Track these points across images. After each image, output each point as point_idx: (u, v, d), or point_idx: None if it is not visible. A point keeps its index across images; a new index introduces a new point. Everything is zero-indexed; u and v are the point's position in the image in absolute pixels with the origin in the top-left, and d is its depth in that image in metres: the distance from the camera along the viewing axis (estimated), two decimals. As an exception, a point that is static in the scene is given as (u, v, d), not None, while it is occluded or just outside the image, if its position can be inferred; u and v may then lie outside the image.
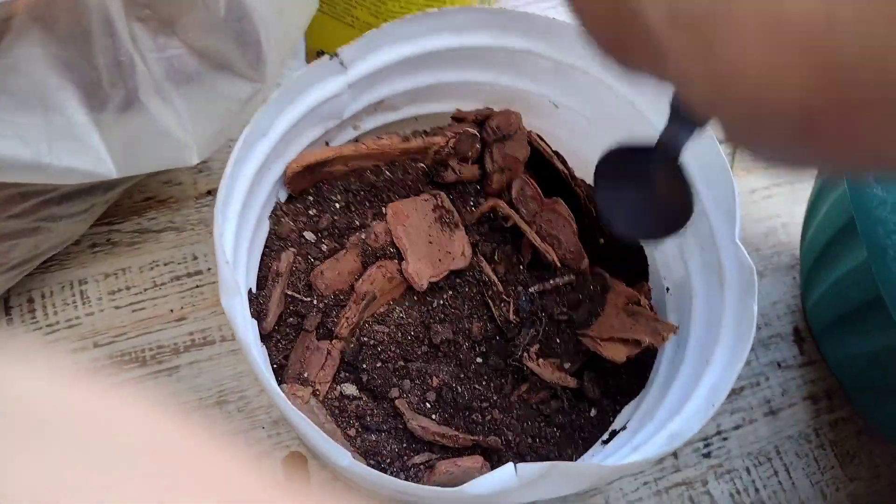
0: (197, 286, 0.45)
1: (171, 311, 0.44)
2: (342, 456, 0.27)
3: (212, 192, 0.47)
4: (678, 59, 0.16)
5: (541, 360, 0.38)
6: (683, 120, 0.24)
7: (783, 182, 0.54)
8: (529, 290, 0.39)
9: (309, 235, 0.37)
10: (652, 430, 0.33)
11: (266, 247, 0.37)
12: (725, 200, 0.35)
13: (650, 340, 0.37)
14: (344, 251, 0.36)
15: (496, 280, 0.39)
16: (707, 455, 0.46)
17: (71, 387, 0.14)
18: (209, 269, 0.45)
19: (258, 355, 0.29)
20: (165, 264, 0.45)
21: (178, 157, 0.31)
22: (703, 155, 0.36)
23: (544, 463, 0.26)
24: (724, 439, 0.47)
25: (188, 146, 0.31)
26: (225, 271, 0.28)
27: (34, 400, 0.13)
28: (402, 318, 0.37)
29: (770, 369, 0.49)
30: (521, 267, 0.40)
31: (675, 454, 0.46)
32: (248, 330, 0.29)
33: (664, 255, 0.42)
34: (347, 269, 0.36)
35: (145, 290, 0.44)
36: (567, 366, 0.39)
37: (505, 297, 0.39)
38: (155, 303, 0.44)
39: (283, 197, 0.38)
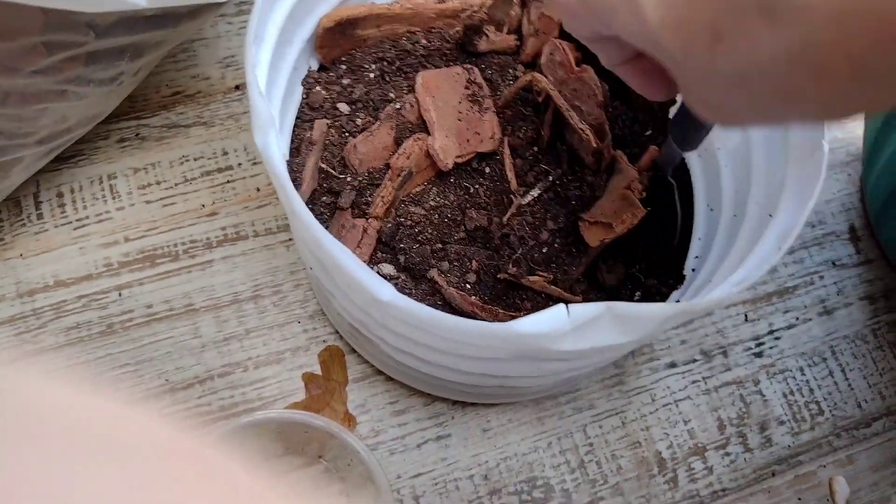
0: (228, 181, 0.43)
1: (203, 206, 0.43)
2: (384, 290, 0.25)
3: (240, 87, 0.45)
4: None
5: (533, 277, 0.35)
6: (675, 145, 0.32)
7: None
8: (528, 196, 0.37)
9: (343, 107, 0.35)
10: (716, 283, 0.31)
11: (298, 118, 0.36)
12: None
13: (620, 226, 0.34)
14: (378, 124, 0.35)
15: (513, 177, 0.37)
16: (759, 355, 0.44)
17: (70, 387, 0.13)
18: (240, 164, 0.44)
19: (293, 191, 0.27)
20: (196, 159, 0.43)
21: (209, -8, 0.29)
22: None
23: (599, 303, 0.24)
24: (777, 339, 0.45)
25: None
26: (259, 103, 0.26)
27: (36, 401, 0.13)
28: (439, 200, 0.36)
29: (825, 268, 0.47)
30: (541, 156, 0.38)
31: (724, 353, 0.44)
32: (283, 165, 0.27)
33: None
34: (381, 143, 0.34)
35: (176, 184, 0.43)
36: (571, 270, 0.36)
37: (515, 196, 0.37)
38: (186, 198, 0.43)
39: (314, 66, 0.37)
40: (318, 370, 0.40)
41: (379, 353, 0.35)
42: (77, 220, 0.42)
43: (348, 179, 0.35)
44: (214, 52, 0.46)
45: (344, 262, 0.26)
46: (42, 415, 0.12)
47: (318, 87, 0.36)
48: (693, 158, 0.41)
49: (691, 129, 0.32)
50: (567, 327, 0.24)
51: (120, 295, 0.40)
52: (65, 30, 0.30)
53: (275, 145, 0.26)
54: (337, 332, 0.41)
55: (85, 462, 0.12)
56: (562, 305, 0.25)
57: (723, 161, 0.38)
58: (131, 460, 0.12)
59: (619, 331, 0.25)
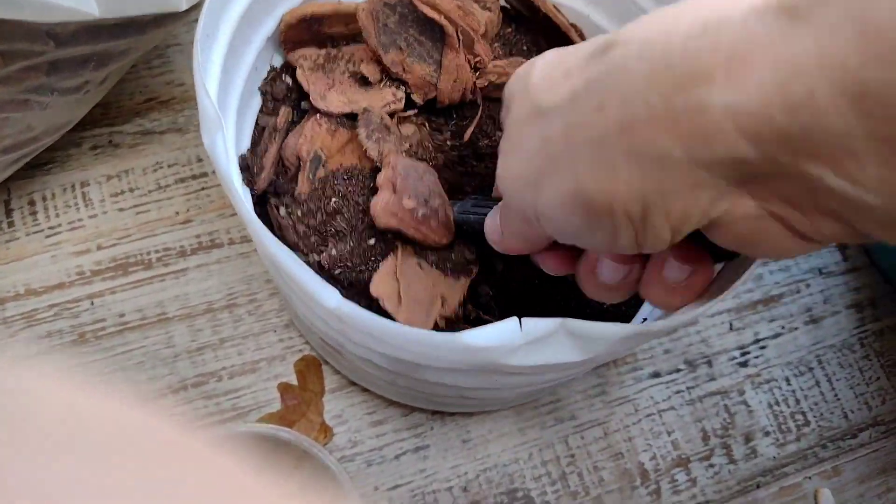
0: (203, 188, 0.43)
1: (177, 213, 0.42)
2: (331, 296, 0.25)
3: (217, 93, 0.45)
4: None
5: None
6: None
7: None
8: None
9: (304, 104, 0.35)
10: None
11: (260, 111, 0.35)
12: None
13: None
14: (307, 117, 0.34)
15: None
16: (744, 364, 0.44)
17: (70, 387, 0.13)
18: (214, 171, 0.43)
19: (241, 191, 0.26)
20: (170, 166, 0.43)
21: (165, 0, 0.28)
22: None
23: (553, 319, 0.24)
24: (763, 348, 0.44)
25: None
26: (206, 103, 0.25)
27: (35, 400, 0.13)
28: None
29: (811, 276, 0.46)
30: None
31: (709, 362, 0.43)
32: (231, 168, 0.26)
33: None
34: (310, 134, 0.33)
35: (149, 192, 0.42)
36: None
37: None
38: (160, 205, 0.42)
39: (278, 65, 0.36)
40: (293, 380, 0.39)
41: (346, 363, 0.35)
42: (49, 228, 0.41)
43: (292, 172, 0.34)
44: (189, 57, 0.45)
45: (288, 266, 0.25)
46: (41, 414, 0.12)
47: (281, 81, 0.35)
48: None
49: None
50: (519, 342, 0.24)
51: (92, 304, 0.40)
52: (22, 39, 0.30)
53: (222, 146, 0.25)
54: (308, 342, 0.40)
55: (88, 461, 0.11)
56: (515, 319, 0.24)
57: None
58: (135, 458, 0.12)
59: (574, 348, 0.24)
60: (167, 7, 0.29)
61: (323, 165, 0.32)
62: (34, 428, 0.12)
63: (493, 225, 0.28)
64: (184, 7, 0.29)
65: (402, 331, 0.25)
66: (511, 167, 0.24)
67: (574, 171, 0.21)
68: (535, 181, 0.22)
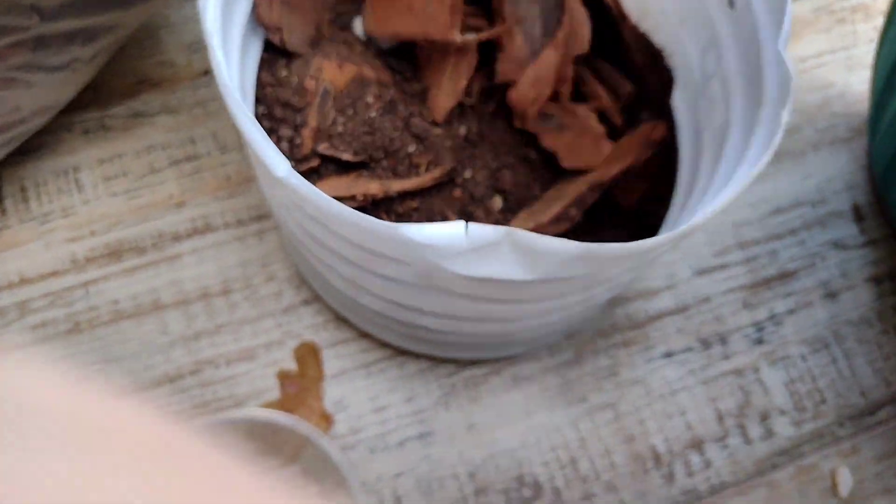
0: (197, 171, 0.41)
1: (171, 196, 0.41)
2: (280, 165, 0.24)
3: (208, 73, 0.43)
4: None
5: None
6: None
7: (837, 48, 0.49)
8: None
9: None
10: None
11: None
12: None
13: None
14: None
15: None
16: (759, 341, 0.42)
17: (72, 388, 0.13)
18: (209, 152, 0.42)
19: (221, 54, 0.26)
20: (163, 149, 0.42)
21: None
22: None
23: (500, 227, 0.23)
24: (778, 324, 0.43)
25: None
26: None
27: (35, 403, 0.13)
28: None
29: (827, 249, 0.45)
30: None
31: (723, 340, 0.42)
32: (215, 25, 0.26)
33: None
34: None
35: (142, 176, 0.41)
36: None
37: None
38: (153, 189, 0.41)
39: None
40: (293, 366, 0.38)
41: (326, 285, 0.34)
42: (42, 215, 0.40)
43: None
44: (180, 37, 0.44)
45: (246, 129, 0.25)
46: (31, 408, 0.12)
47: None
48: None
49: None
50: (463, 246, 0.23)
51: (87, 292, 0.39)
52: (5, 13, 0.28)
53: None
54: (307, 292, 0.39)
55: (81, 456, 0.12)
56: (462, 222, 0.23)
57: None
58: (127, 454, 0.12)
59: (519, 263, 0.23)
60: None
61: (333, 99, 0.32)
62: (13, 423, 0.12)
63: None
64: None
65: (340, 211, 0.24)
66: None
67: None
68: None
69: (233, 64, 0.31)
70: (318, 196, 0.24)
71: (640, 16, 0.38)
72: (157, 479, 0.12)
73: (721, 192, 0.27)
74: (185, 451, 0.13)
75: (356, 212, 0.24)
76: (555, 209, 0.35)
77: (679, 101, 0.38)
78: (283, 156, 0.25)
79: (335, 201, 0.24)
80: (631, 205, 0.38)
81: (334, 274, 0.31)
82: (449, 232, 0.23)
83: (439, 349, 0.38)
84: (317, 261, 0.32)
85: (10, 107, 0.33)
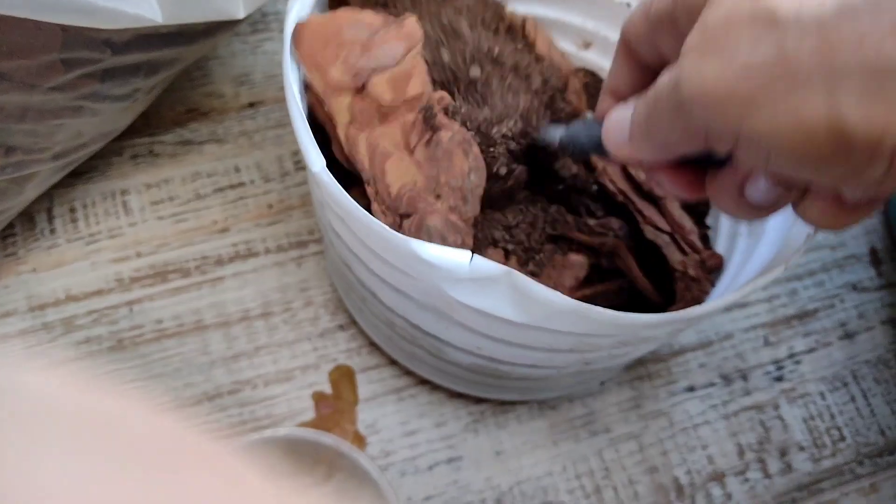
0: (240, 198, 0.43)
1: (215, 222, 0.42)
2: (317, 161, 0.26)
3: (254, 105, 0.45)
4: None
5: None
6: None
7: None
8: None
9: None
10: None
11: None
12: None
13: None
14: None
15: None
16: (779, 379, 0.43)
17: (79, 386, 0.13)
18: (252, 181, 0.44)
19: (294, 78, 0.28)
20: (208, 176, 0.43)
21: (224, 9, 0.29)
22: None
23: (502, 265, 0.24)
24: (797, 363, 0.44)
25: (235, -2, 0.30)
26: None
27: (42, 400, 0.13)
28: None
29: (845, 291, 0.46)
30: None
31: (744, 376, 0.43)
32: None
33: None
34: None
35: (188, 201, 0.43)
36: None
37: None
38: (198, 214, 0.42)
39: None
40: (328, 389, 0.40)
41: (360, 307, 0.36)
42: (90, 235, 0.42)
43: None
44: (229, 70, 0.46)
45: (295, 117, 0.27)
46: (53, 413, 0.12)
47: None
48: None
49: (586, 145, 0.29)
50: (465, 274, 0.24)
51: (131, 310, 0.40)
52: (82, 47, 0.30)
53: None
54: (343, 317, 0.40)
55: (100, 464, 0.11)
56: (468, 252, 0.25)
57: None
58: (146, 461, 0.12)
59: (514, 304, 0.25)
60: (226, 15, 0.30)
61: None
62: (46, 430, 0.12)
63: (621, 123, 0.25)
64: (241, 15, 0.30)
65: (361, 216, 0.26)
66: (712, 72, 0.20)
67: (831, 95, 0.19)
68: (752, 97, 0.20)
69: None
70: (342, 195, 0.26)
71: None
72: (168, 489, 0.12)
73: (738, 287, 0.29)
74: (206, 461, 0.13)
75: (374, 218, 0.26)
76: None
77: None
78: (321, 155, 0.27)
79: (356, 203, 0.26)
80: None
81: (355, 279, 0.33)
82: (453, 258, 0.25)
83: (460, 384, 0.39)
84: (343, 266, 0.33)
85: (74, 133, 0.35)
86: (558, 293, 0.24)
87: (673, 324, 0.26)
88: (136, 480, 0.11)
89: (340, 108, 0.30)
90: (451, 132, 0.29)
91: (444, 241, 0.27)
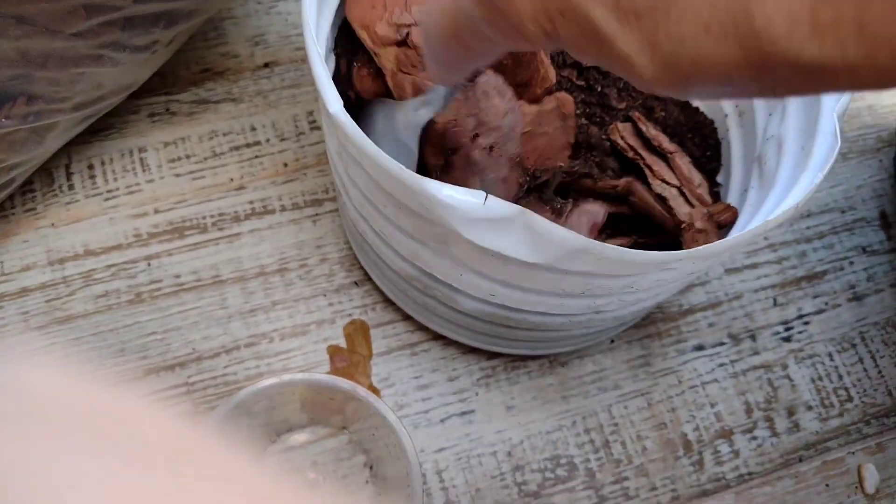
0: (256, 156, 0.44)
1: (231, 179, 0.43)
2: (334, 102, 0.27)
3: (269, 65, 0.46)
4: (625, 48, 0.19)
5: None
6: None
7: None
8: None
9: None
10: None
11: None
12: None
13: None
14: None
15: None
16: (787, 339, 0.44)
17: (86, 386, 0.14)
18: (268, 140, 0.44)
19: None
20: (224, 134, 0.44)
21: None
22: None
23: (517, 206, 0.24)
24: (806, 324, 0.44)
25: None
26: None
27: (51, 399, 0.13)
28: None
29: (855, 254, 0.46)
30: None
31: (752, 336, 0.43)
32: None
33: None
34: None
35: (205, 159, 0.43)
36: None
37: None
38: (215, 172, 0.43)
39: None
40: (343, 343, 0.40)
41: (375, 263, 0.36)
42: (108, 192, 0.42)
43: None
44: (244, 30, 0.46)
45: (314, 60, 0.27)
46: (41, 407, 0.13)
47: None
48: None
49: None
50: (479, 214, 0.24)
51: (149, 265, 0.41)
52: (104, -7, 0.31)
53: None
54: (359, 274, 0.41)
55: (86, 455, 0.12)
56: (482, 192, 0.25)
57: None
58: (153, 459, 0.12)
59: (527, 244, 0.25)
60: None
61: None
62: (42, 421, 0.12)
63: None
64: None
65: (375, 155, 0.26)
66: None
67: None
68: None
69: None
70: (358, 134, 0.26)
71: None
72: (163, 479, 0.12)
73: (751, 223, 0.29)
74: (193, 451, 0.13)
75: (391, 159, 0.26)
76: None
77: (735, 160, 0.39)
78: (338, 96, 0.27)
79: (371, 142, 0.26)
80: None
81: (369, 228, 0.33)
82: (468, 198, 0.25)
83: (473, 338, 0.39)
84: (358, 217, 0.33)
85: (94, 83, 0.35)
86: (571, 231, 0.25)
87: (681, 261, 0.27)
88: (144, 478, 0.12)
89: (388, 58, 0.32)
90: (486, 76, 0.30)
91: (484, 176, 0.28)
